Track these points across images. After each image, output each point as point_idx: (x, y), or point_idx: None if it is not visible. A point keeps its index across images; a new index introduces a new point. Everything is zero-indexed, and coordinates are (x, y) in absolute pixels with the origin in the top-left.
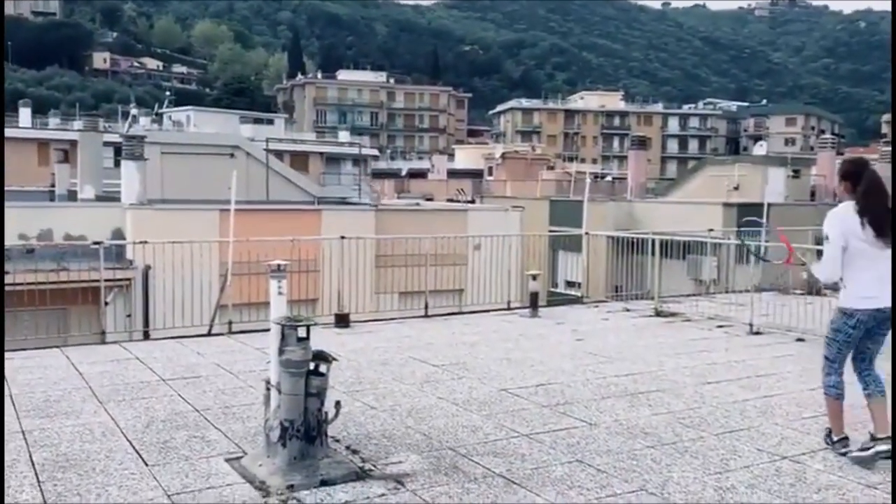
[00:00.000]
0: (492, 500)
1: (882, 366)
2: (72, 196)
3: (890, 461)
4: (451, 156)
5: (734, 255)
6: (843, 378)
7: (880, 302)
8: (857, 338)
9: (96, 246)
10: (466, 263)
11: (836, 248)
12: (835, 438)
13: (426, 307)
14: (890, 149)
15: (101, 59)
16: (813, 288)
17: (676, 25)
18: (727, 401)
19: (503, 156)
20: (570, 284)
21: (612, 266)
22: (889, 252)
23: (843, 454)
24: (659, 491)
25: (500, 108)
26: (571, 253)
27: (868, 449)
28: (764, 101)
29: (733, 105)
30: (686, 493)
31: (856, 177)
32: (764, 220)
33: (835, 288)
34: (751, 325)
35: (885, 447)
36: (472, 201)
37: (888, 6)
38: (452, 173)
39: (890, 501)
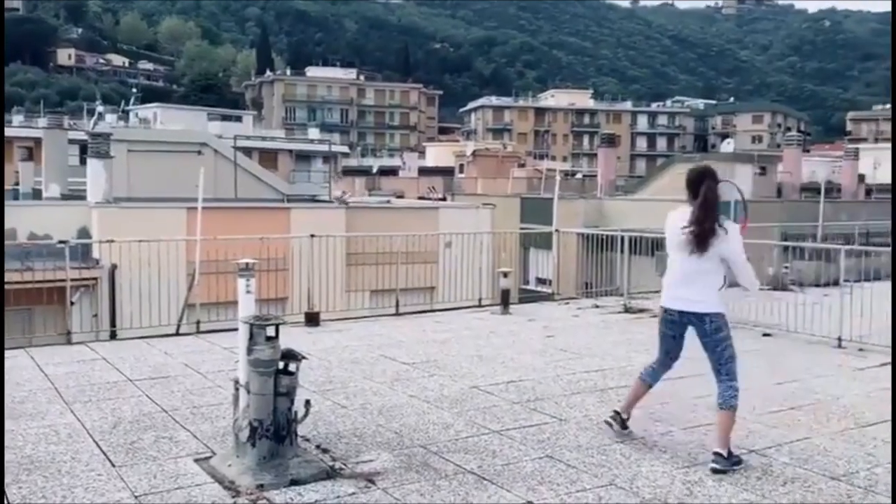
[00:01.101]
0: (462, 497)
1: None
2: (36, 195)
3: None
4: (422, 153)
5: None
6: (656, 368)
7: (666, 301)
8: (663, 333)
9: (62, 245)
10: (437, 261)
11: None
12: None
13: (397, 305)
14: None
15: (65, 56)
16: (779, 283)
17: (645, 24)
18: (695, 395)
19: (474, 153)
20: (541, 282)
21: (582, 263)
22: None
23: (609, 425)
24: (628, 485)
25: (471, 105)
26: (542, 250)
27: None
28: (731, 99)
29: (701, 103)
30: (654, 487)
31: (696, 185)
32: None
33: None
34: None
35: (712, 463)
36: (444, 199)
37: (852, 5)
38: (424, 171)
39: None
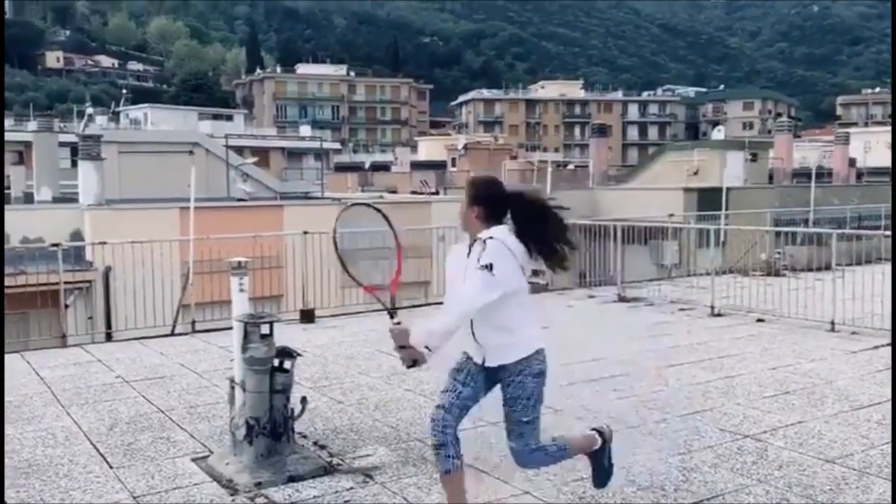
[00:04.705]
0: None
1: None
2: (28, 198)
3: None
4: (414, 148)
5: (695, 239)
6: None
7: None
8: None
9: (54, 248)
10: (431, 255)
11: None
12: None
13: (392, 300)
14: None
15: (54, 58)
16: (772, 269)
17: (633, 13)
18: (690, 382)
19: (466, 146)
20: (535, 273)
21: (576, 254)
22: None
23: None
24: (625, 474)
25: (461, 98)
26: None
27: None
28: (721, 87)
29: (692, 91)
30: (651, 474)
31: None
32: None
33: None
34: (712, 307)
35: None
36: (437, 192)
37: None
38: (416, 165)
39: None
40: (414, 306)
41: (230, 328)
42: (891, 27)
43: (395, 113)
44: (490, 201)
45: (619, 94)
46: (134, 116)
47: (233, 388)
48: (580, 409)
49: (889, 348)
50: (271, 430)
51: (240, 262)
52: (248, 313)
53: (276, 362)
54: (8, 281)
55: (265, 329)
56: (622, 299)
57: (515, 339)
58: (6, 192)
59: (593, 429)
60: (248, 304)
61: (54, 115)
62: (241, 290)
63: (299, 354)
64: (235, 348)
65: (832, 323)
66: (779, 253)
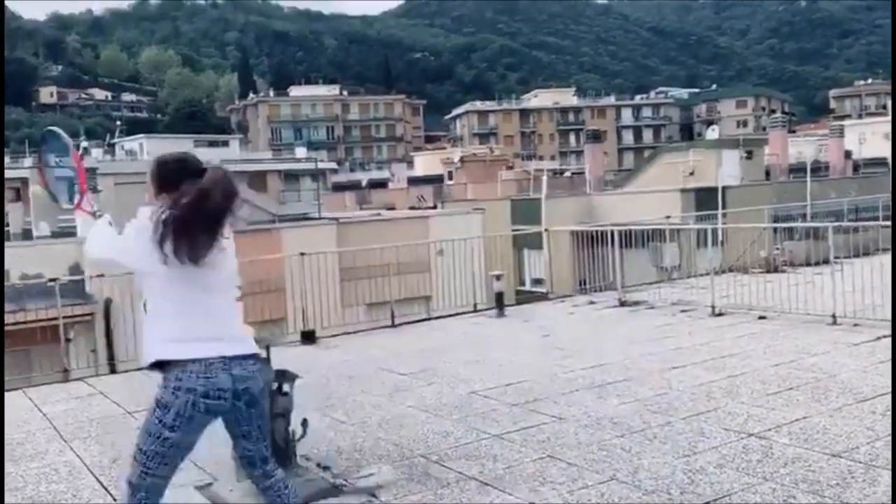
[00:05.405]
0: (465, 503)
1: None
2: (27, 234)
3: None
4: (411, 163)
5: (694, 240)
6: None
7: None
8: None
9: (52, 283)
10: (430, 270)
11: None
12: None
13: (392, 317)
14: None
15: (47, 94)
16: (772, 265)
17: (622, 17)
18: (693, 384)
19: (462, 159)
20: (536, 282)
21: (576, 260)
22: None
23: None
24: (630, 479)
25: (455, 112)
26: (536, 250)
27: None
28: (714, 86)
29: (684, 92)
30: (656, 478)
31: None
32: None
33: None
34: (713, 307)
35: None
36: (434, 207)
37: None
38: (413, 181)
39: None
40: (417, 321)
41: None
42: (891, 22)
43: (389, 130)
44: (160, 178)
45: (612, 100)
46: (129, 147)
47: None
48: (584, 416)
49: (892, 338)
50: (273, 454)
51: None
52: None
53: (275, 385)
54: (8, 318)
55: (262, 353)
56: (623, 304)
57: (145, 337)
58: (6, 229)
59: None
60: None
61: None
62: None
63: (298, 377)
64: None
65: (833, 316)
66: (778, 249)
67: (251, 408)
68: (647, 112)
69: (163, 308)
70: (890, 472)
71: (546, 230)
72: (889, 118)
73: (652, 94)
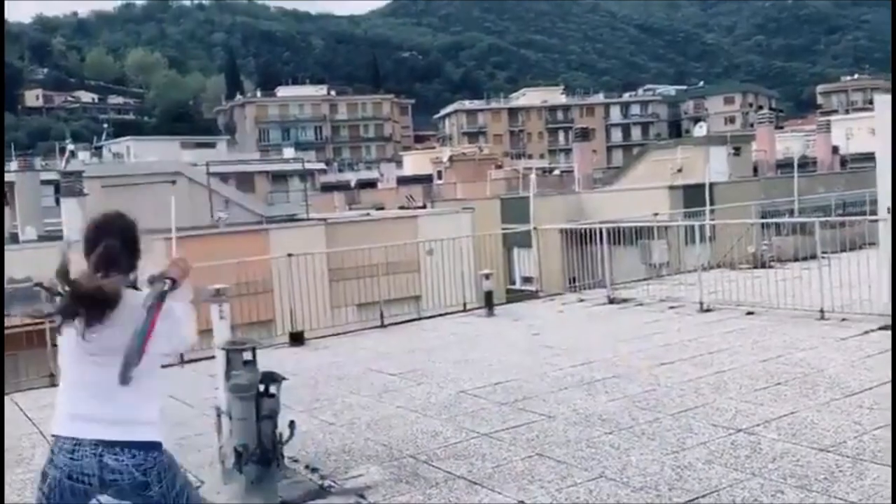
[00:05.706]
0: (453, 503)
1: None
2: (14, 238)
3: None
4: (400, 163)
5: (682, 237)
6: None
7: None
8: None
9: (37, 288)
10: (419, 270)
11: None
12: None
13: (381, 317)
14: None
15: (33, 97)
16: (759, 261)
17: (610, 15)
18: (681, 380)
19: (451, 159)
20: (526, 280)
21: (565, 258)
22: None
23: None
24: (618, 476)
25: (444, 111)
26: (525, 249)
27: None
28: (701, 83)
29: (672, 89)
30: (644, 475)
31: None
32: None
33: None
34: (701, 303)
35: None
36: (423, 206)
37: None
38: (402, 180)
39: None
40: (406, 321)
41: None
42: (890, 20)
43: (378, 129)
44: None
45: (601, 97)
46: (116, 150)
47: (219, 416)
48: (573, 413)
49: (879, 332)
50: (260, 457)
51: (218, 290)
52: (230, 340)
53: (261, 388)
54: None
55: (248, 355)
56: (612, 301)
57: None
58: None
59: None
60: (229, 332)
61: (36, 153)
62: (222, 318)
63: (285, 378)
64: (219, 376)
65: (821, 311)
66: (766, 244)
67: (125, 499)
68: (635, 109)
69: (63, 375)
70: (878, 466)
71: (535, 229)
72: (875, 114)
73: (640, 91)
